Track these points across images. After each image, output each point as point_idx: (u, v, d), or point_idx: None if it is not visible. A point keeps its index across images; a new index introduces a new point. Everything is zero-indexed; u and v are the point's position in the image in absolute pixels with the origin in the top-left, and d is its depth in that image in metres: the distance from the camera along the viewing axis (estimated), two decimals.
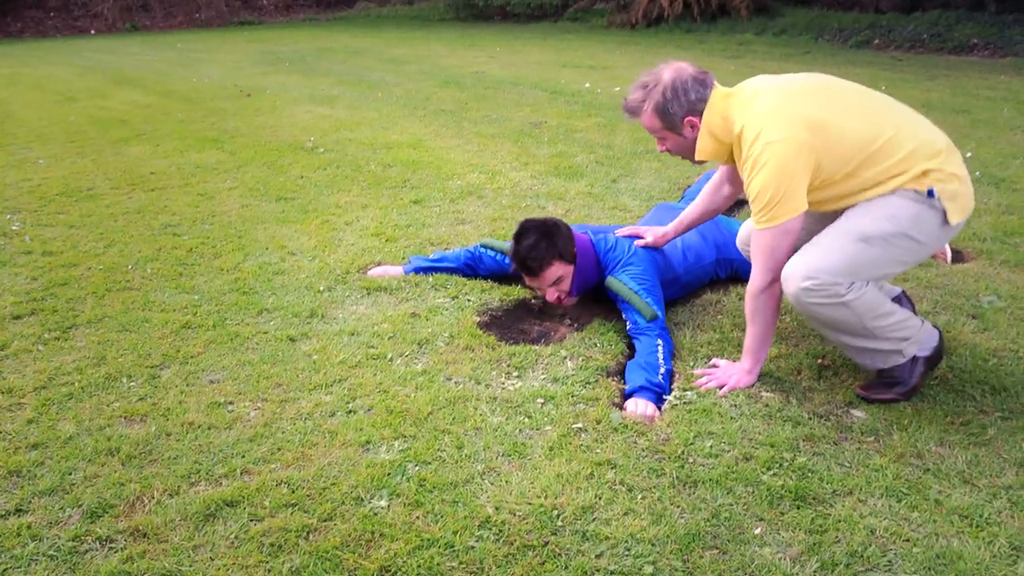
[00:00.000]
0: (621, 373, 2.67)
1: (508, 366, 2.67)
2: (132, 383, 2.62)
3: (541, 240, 2.92)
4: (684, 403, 2.45)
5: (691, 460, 2.16)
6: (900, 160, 2.25)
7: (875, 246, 2.27)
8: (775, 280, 2.37)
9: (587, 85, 8.62)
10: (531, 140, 5.99)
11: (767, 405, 2.43)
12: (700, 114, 2.39)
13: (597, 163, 5.21)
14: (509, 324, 3.03)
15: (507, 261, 3.25)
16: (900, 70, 9.68)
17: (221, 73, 10.83)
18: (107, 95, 9.11)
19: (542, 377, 2.60)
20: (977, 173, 4.72)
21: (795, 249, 2.34)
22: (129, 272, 3.56)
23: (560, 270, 2.95)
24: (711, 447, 2.22)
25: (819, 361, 2.69)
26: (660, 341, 2.71)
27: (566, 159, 5.34)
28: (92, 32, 21.69)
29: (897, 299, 2.67)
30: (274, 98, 8.41)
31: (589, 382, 2.56)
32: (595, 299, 3.32)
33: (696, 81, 2.39)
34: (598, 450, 2.21)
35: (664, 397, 2.51)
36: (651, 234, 3.08)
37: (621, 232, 3.16)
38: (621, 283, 2.92)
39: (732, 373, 2.55)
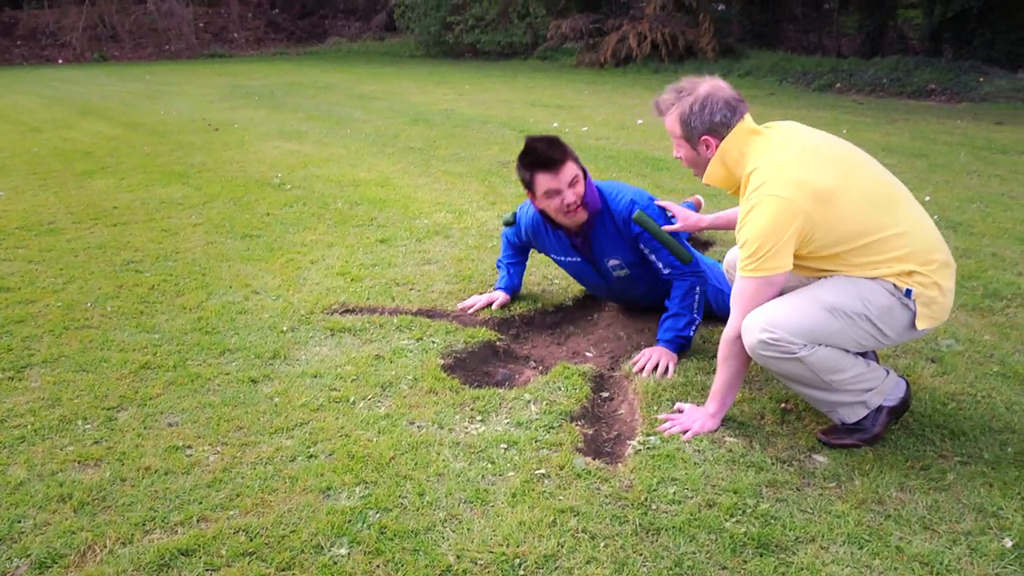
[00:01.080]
0: (585, 417, 2.67)
1: (472, 410, 2.66)
2: (87, 425, 2.56)
3: (554, 140, 2.97)
4: (648, 448, 2.45)
5: (654, 507, 2.16)
6: (892, 257, 2.28)
7: (839, 320, 2.30)
8: (764, 321, 2.35)
9: (555, 124, 8.70)
10: (499, 179, 6.03)
11: (730, 450, 2.43)
12: (719, 137, 2.39)
13: None
14: (473, 366, 3.02)
15: (519, 224, 3.36)
16: (861, 113, 9.90)
17: (189, 106, 10.79)
18: (72, 126, 9.03)
19: (505, 421, 2.59)
20: (935, 217, 4.79)
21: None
22: (88, 310, 3.50)
23: (575, 170, 2.94)
24: (674, 493, 2.21)
25: (783, 405, 2.70)
26: (699, 288, 2.93)
27: None
28: (60, 62, 21.57)
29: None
30: (242, 132, 8.39)
31: (553, 427, 2.55)
32: (558, 341, 3.33)
33: (727, 105, 2.38)
34: (561, 497, 2.19)
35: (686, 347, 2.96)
36: (683, 216, 3.06)
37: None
38: (652, 220, 2.94)
39: (696, 418, 2.56)
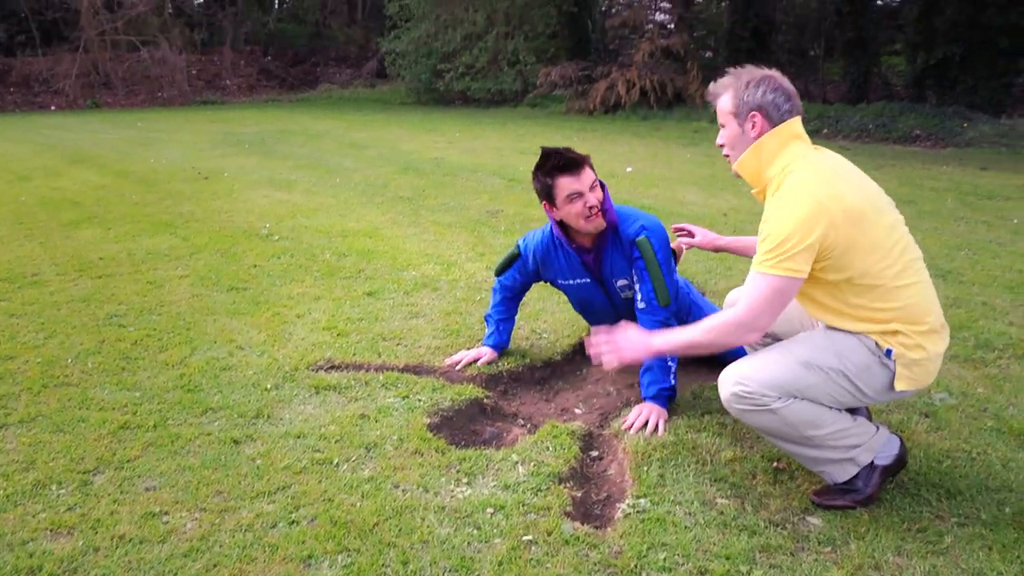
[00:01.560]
0: (574, 478, 2.61)
1: (458, 472, 2.60)
2: (62, 490, 2.49)
3: (570, 149, 3.00)
4: (637, 511, 2.39)
5: (644, 575, 2.10)
6: (885, 309, 2.24)
7: (814, 374, 2.27)
8: (755, 328, 2.26)
9: None
10: (488, 229, 6.01)
11: (722, 512, 2.38)
12: (768, 118, 2.30)
13: None
14: (461, 425, 2.96)
15: (525, 253, 3.35)
16: (849, 159, 9.97)
17: (180, 154, 10.81)
18: (61, 174, 9.02)
19: (492, 484, 2.53)
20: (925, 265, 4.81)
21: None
22: (68, 366, 3.44)
23: (594, 176, 2.98)
24: (665, 560, 2.15)
25: (774, 464, 2.65)
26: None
27: None
28: (53, 108, 21.66)
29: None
30: (232, 181, 8.38)
31: (540, 489, 2.49)
32: (547, 397, 3.29)
33: (783, 90, 2.31)
34: (548, 565, 2.13)
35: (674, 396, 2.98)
36: (701, 234, 3.07)
37: (674, 226, 3.20)
38: (653, 251, 2.93)
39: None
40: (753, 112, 2.32)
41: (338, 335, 3.77)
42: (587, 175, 2.95)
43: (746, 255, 2.95)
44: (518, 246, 3.40)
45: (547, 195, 3.00)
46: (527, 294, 3.63)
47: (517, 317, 3.62)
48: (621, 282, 3.14)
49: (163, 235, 5.89)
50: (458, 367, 3.38)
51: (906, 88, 15.39)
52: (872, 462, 2.40)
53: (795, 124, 2.32)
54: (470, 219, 6.40)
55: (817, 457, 2.39)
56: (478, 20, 19.67)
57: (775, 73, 2.37)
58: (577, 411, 3.16)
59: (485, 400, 3.13)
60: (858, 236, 2.18)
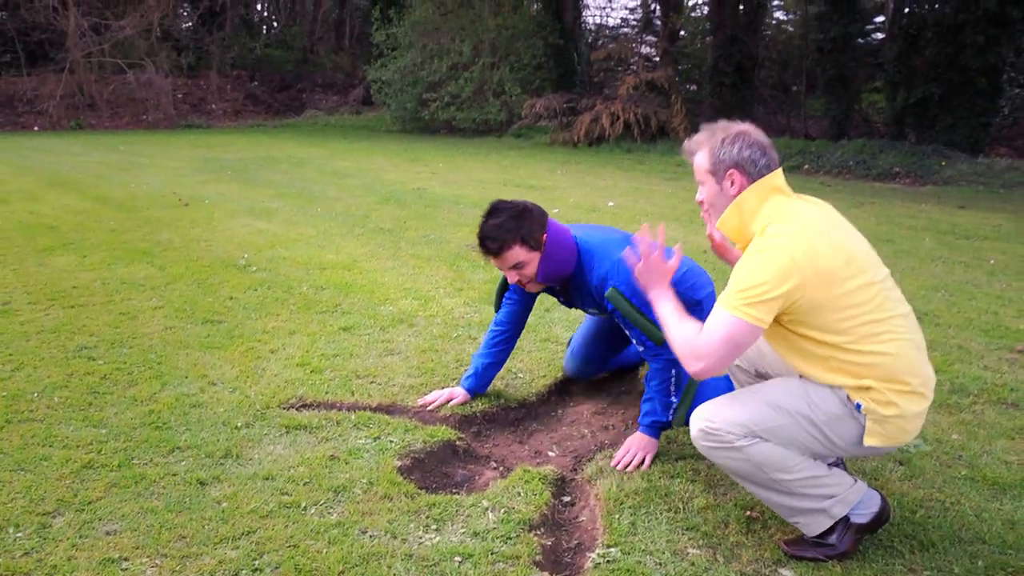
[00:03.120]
0: (545, 525, 2.58)
1: (427, 518, 2.55)
2: (19, 534, 2.42)
3: (507, 221, 2.92)
4: (608, 561, 2.36)
5: None
6: (857, 363, 2.22)
7: (780, 416, 2.27)
8: (706, 367, 2.23)
9: None
10: (467, 264, 6.00)
11: (693, 563, 2.35)
12: (746, 175, 2.30)
13: None
14: (432, 467, 2.92)
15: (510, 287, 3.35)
16: (829, 196, 10.01)
17: (161, 179, 10.75)
18: (39, 198, 8.93)
19: (461, 531, 2.49)
20: None
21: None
22: (34, 401, 3.38)
23: (522, 255, 2.94)
24: None
25: (747, 513, 2.63)
26: (675, 371, 2.92)
27: None
28: (36, 129, 21.54)
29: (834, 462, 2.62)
30: (212, 209, 8.34)
31: (510, 537, 2.45)
32: (520, 439, 3.25)
33: (759, 145, 2.32)
34: None
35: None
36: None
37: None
38: (625, 300, 2.91)
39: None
40: (730, 170, 2.32)
41: (312, 372, 3.73)
42: (507, 259, 2.96)
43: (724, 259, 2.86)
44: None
45: None
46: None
47: None
48: (591, 310, 3.27)
49: (139, 263, 5.83)
50: (430, 407, 3.35)
51: (886, 126, 15.59)
52: (847, 518, 2.37)
53: (775, 178, 2.33)
54: (450, 253, 6.38)
55: (790, 506, 2.36)
56: (464, 50, 19.80)
57: (749, 128, 2.38)
58: (551, 453, 3.13)
59: (458, 442, 3.09)
60: (827, 295, 2.18)
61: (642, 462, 2.92)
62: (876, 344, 2.21)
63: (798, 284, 2.15)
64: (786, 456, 2.29)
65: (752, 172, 2.31)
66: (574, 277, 3.06)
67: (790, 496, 2.34)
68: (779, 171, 2.35)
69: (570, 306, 3.29)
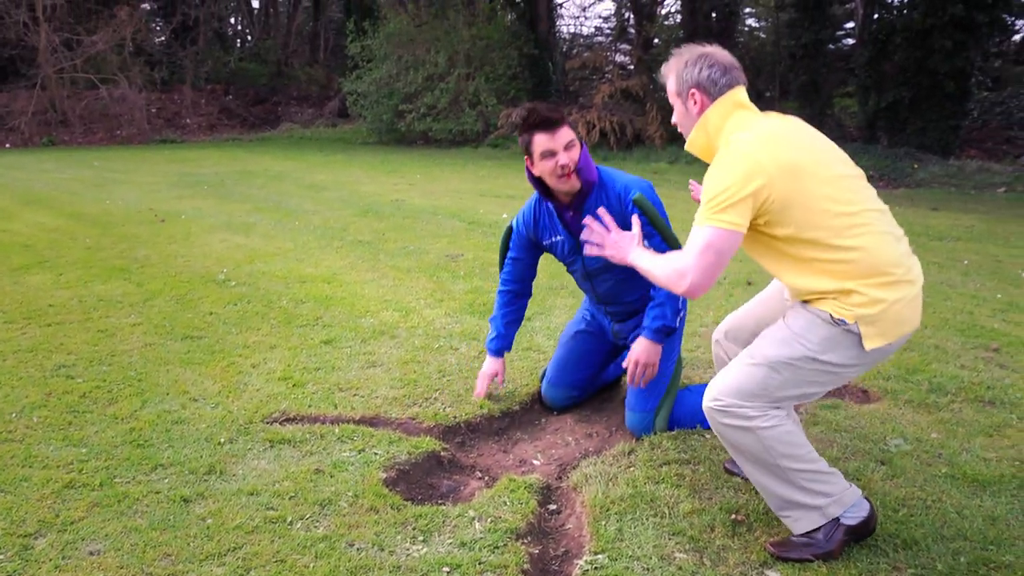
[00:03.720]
0: (532, 534, 2.58)
1: (414, 529, 2.55)
2: (1, 556, 2.40)
3: (554, 105, 3.11)
4: (596, 568, 2.37)
5: None
6: (838, 261, 2.22)
7: (782, 372, 2.29)
8: (693, 283, 2.25)
9: (504, 216, 8.76)
10: (447, 274, 6.00)
11: (680, 567, 2.36)
12: (707, 95, 2.38)
13: None
14: (417, 479, 2.92)
15: (517, 222, 3.38)
16: None
17: (137, 195, 10.66)
18: (12, 216, 8.83)
19: (448, 542, 2.49)
20: None
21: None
22: (12, 421, 3.34)
23: (571, 135, 3.04)
24: None
25: (733, 516, 2.64)
26: None
27: (481, 295, 5.34)
28: (7, 146, 21.29)
29: None
30: (189, 224, 8.28)
31: (497, 546, 2.45)
32: (504, 448, 3.26)
33: (719, 65, 2.38)
34: None
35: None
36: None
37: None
38: (650, 205, 3.01)
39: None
40: (692, 90, 2.40)
41: (294, 386, 3.71)
42: (562, 134, 3.03)
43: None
44: (510, 222, 3.45)
45: (527, 151, 3.11)
46: (479, 336, 3.60)
47: (475, 365, 3.60)
48: None
49: (116, 281, 5.78)
50: (482, 395, 3.51)
51: (859, 129, 15.77)
52: (838, 518, 2.39)
53: (737, 93, 2.39)
54: (429, 264, 6.38)
55: (786, 497, 2.38)
56: (439, 61, 19.81)
57: (713, 49, 2.44)
58: (535, 462, 3.13)
59: (442, 452, 3.09)
60: (797, 189, 2.21)
61: (651, 368, 3.09)
62: (853, 238, 2.22)
63: (765, 183, 2.18)
64: (797, 444, 2.33)
65: (712, 91, 2.38)
66: (597, 189, 3.14)
67: (789, 486, 2.36)
68: (741, 88, 2.41)
69: (572, 256, 3.26)
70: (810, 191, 2.21)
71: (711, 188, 2.24)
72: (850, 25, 20.28)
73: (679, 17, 22.70)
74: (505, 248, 3.48)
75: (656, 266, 2.39)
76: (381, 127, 21.24)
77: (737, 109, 2.38)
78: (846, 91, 18.40)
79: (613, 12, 25.90)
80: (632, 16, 23.15)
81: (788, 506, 2.40)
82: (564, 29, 26.12)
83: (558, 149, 3.01)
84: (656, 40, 22.29)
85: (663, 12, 24.28)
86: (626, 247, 2.52)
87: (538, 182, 3.16)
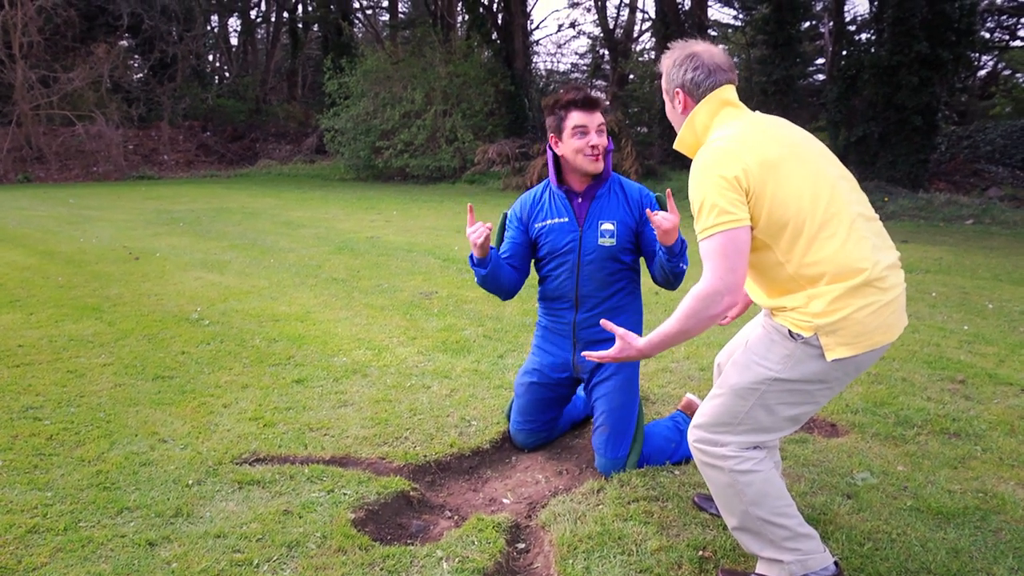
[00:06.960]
0: (499, 573, 2.58)
1: (381, 570, 2.54)
2: None
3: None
4: None
5: None
6: (809, 264, 2.17)
7: (747, 399, 2.27)
8: (726, 290, 2.15)
9: None
10: (421, 312, 6.01)
11: None
12: (692, 96, 2.38)
13: (485, 337, 5.24)
14: (386, 519, 2.92)
15: (512, 209, 3.40)
16: None
17: (111, 233, 10.62)
18: None
19: None
20: None
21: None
22: None
23: (604, 121, 3.14)
24: None
25: (700, 553, 2.65)
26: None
27: (454, 333, 5.36)
28: None
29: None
30: (163, 262, 8.26)
31: None
32: (474, 487, 3.26)
33: (705, 71, 2.36)
34: None
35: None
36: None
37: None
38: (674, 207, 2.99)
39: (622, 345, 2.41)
40: (676, 90, 2.43)
41: (265, 426, 3.70)
42: (598, 117, 3.11)
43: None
44: (505, 214, 3.46)
45: (556, 127, 3.14)
46: (452, 374, 3.60)
47: (446, 404, 3.60)
48: (606, 225, 3.21)
49: (88, 320, 5.74)
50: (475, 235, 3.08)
51: None
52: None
53: (724, 92, 2.38)
54: (403, 301, 6.39)
55: (751, 547, 2.39)
56: (416, 98, 20.01)
57: (702, 48, 2.42)
58: (505, 501, 3.14)
59: (412, 492, 3.09)
60: (774, 181, 2.17)
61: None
62: (821, 241, 2.15)
63: (743, 167, 2.16)
64: (772, 496, 2.30)
65: (695, 93, 2.39)
66: (607, 184, 3.23)
67: (756, 537, 2.35)
68: (730, 86, 2.40)
69: (571, 230, 3.22)
70: (785, 185, 2.17)
71: (695, 196, 2.21)
72: (820, 61, 20.70)
73: (654, 54, 23.06)
74: (499, 237, 3.47)
75: (683, 320, 2.23)
76: (359, 163, 21.36)
77: (724, 107, 2.37)
78: (817, 125, 18.72)
79: (588, 49, 26.26)
80: (607, 53, 23.49)
81: (754, 550, 2.40)
82: (540, 65, 26.52)
83: (592, 128, 3.09)
84: (631, 76, 22.61)
85: (637, 49, 24.67)
86: (632, 340, 2.39)
87: (555, 164, 3.21)
